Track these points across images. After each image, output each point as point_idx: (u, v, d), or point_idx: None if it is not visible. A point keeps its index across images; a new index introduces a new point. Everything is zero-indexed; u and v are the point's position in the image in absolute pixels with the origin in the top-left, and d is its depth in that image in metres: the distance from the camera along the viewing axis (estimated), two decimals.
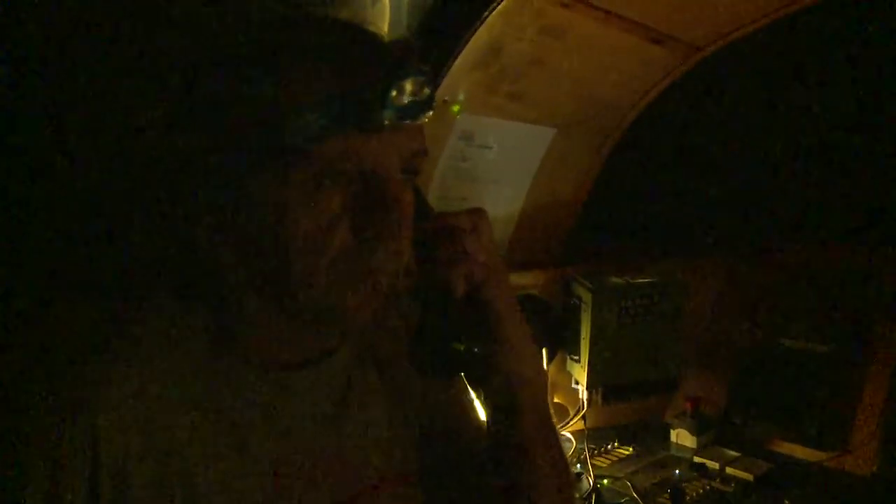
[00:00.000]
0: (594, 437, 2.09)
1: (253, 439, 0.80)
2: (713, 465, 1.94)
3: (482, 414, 0.96)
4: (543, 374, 0.93)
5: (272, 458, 0.80)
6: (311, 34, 0.76)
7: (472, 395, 0.99)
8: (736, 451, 2.00)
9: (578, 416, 2.12)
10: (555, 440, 0.93)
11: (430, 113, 0.76)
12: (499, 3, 1.47)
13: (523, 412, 0.87)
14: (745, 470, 1.91)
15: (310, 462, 0.83)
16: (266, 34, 0.77)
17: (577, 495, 1.81)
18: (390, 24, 1.35)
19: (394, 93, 0.71)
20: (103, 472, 0.73)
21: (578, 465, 1.95)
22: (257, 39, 0.77)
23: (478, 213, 0.85)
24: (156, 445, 0.75)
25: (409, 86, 0.72)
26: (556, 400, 2.20)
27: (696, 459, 1.98)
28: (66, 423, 0.73)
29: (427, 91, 0.74)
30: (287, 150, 0.70)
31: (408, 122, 0.73)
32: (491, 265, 0.84)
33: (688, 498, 1.76)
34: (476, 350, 0.84)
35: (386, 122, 0.71)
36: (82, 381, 0.75)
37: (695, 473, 1.92)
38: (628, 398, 2.15)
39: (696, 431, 2.06)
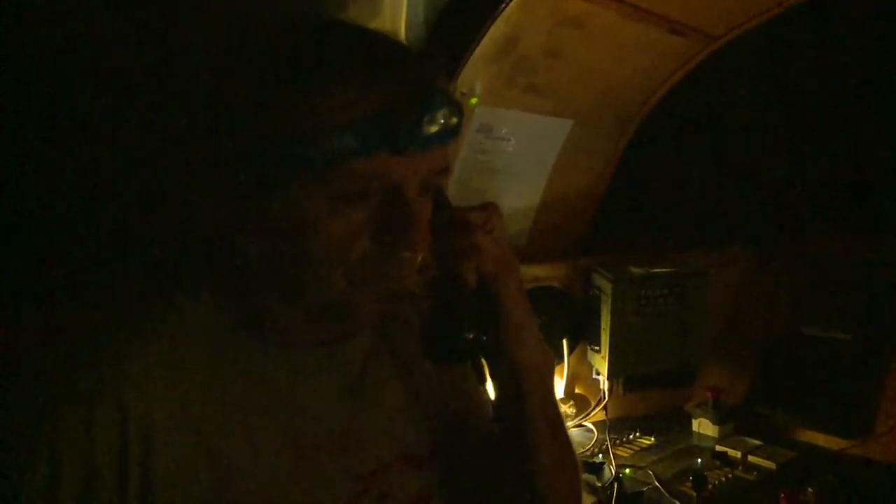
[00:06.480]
0: (616, 427, 2.11)
1: (272, 414, 0.83)
2: (735, 453, 1.94)
3: (492, 397, 1.00)
4: (549, 360, 0.98)
5: (291, 431, 0.83)
6: (348, 48, 0.77)
7: (482, 380, 1.02)
8: (758, 439, 2.00)
9: (600, 407, 2.14)
10: (558, 421, 0.98)
11: (456, 138, 0.79)
12: None
13: (528, 395, 0.91)
14: (768, 458, 1.90)
15: (327, 437, 0.86)
16: (301, 44, 0.78)
17: (600, 484, 1.82)
18: (407, 17, 1.37)
19: (425, 121, 0.74)
20: (132, 445, 0.75)
21: (600, 455, 1.96)
22: (292, 50, 0.77)
23: (490, 207, 0.89)
24: (180, 418, 0.77)
25: (439, 116, 0.75)
26: (577, 391, 2.21)
27: (718, 448, 1.97)
28: (95, 400, 0.75)
29: (455, 119, 0.77)
30: (314, 167, 0.72)
31: (434, 147, 0.76)
32: (501, 259, 0.88)
33: (710, 486, 1.76)
34: (484, 339, 0.87)
35: (414, 147, 0.74)
36: (108, 357, 0.78)
37: (717, 462, 1.92)
38: (649, 388, 2.16)
39: (717, 420, 2.06)
